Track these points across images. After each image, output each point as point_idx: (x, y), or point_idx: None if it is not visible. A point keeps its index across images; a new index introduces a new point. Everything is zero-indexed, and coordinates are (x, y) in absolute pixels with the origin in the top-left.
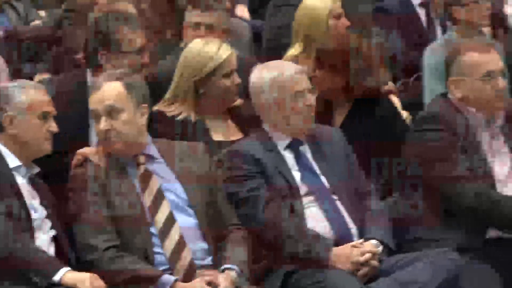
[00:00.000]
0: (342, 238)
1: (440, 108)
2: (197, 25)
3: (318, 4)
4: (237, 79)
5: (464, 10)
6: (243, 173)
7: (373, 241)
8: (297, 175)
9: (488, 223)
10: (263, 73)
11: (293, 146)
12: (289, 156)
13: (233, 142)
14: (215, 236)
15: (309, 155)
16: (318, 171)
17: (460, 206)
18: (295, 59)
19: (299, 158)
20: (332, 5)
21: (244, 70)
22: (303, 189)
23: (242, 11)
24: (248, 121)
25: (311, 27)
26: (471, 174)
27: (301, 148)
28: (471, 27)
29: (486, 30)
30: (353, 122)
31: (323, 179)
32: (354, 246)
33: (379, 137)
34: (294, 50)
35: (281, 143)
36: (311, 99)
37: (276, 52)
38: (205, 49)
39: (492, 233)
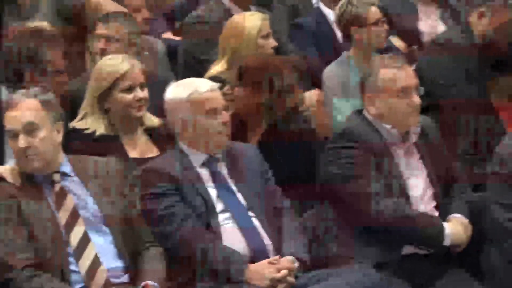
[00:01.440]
0: (258, 255)
1: (354, 125)
2: (98, 36)
3: (248, 23)
4: (140, 94)
5: (362, 31)
6: (159, 191)
7: (289, 257)
8: (213, 192)
9: (403, 239)
10: (177, 91)
11: (209, 163)
12: (205, 173)
13: (149, 159)
14: (131, 253)
15: (225, 172)
16: (234, 188)
17: (375, 222)
18: (220, 76)
19: (215, 175)
20: (261, 25)
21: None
22: (219, 206)
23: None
24: (166, 138)
25: (239, 45)
26: (387, 191)
27: (217, 165)
28: (367, 49)
29: (401, 46)
30: (269, 140)
31: (239, 196)
32: (270, 263)
33: (295, 155)
34: (219, 67)
35: (197, 160)
36: (226, 116)
37: (192, 69)
38: (106, 63)
39: (408, 249)
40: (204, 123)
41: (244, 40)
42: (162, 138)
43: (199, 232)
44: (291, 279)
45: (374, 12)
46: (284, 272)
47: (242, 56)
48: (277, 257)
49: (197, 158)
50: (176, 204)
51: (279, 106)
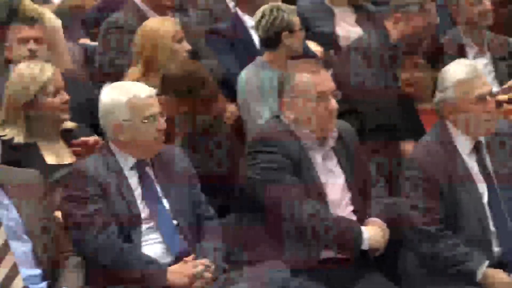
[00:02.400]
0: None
1: (272, 129)
2: (23, 40)
3: (161, 28)
4: (65, 96)
5: (292, 37)
6: (82, 195)
7: (205, 259)
8: (139, 197)
9: (322, 243)
10: (115, 94)
11: (138, 168)
12: (133, 178)
13: (66, 165)
14: (52, 261)
15: (152, 175)
16: (160, 194)
17: (294, 226)
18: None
19: (143, 178)
20: (174, 29)
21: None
22: (144, 212)
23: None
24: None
25: (154, 50)
26: (305, 195)
27: (145, 168)
28: (289, 54)
29: (318, 51)
30: (190, 147)
31: (165, 201)
32: (186, 261)
33: (216, 161)
34: (135, 72)
35: (126, 164)
36: (163, 123)
37: (109, 74)
38: (28, 71)
39: (326, 253)
40: (141, 128)
41: (158, 45)
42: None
43: (116, 242)
44: (208, 274)
45: (298, 18)
46: (200, 267)
47: (158, 62)
48: (192, 255)
49: (126, 161)
50: (96, 212)
51: (203, 113)
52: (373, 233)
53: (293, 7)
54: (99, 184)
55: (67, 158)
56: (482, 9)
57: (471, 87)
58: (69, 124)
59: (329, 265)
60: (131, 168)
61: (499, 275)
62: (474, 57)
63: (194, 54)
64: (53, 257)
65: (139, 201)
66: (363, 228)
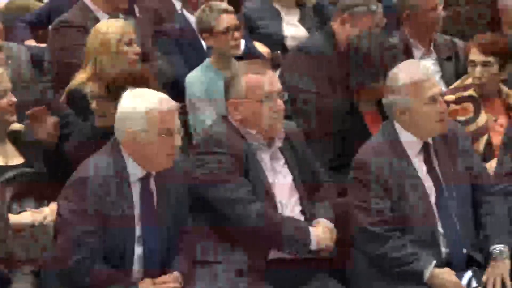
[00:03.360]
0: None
1: (219, 130)
2: None
3: (110, 29)
4: (12, 98)
5: (213, 39)
6: (79, 208)
7: (175, 273)
8: (137, 215)
9: (270, 244)
10: (136, 102)
11: (143, 179)
12: (135, 191)
13: (14, 166)
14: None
15: (154, 190)
16: (155, 207)
17: (242, 227)
18: (81, 88)
19: (145, 193)
20: (123, 31)
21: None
22: (137, 231)
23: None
24: (29, 145)
25: (101, 52)
26: (253, 196)
27: (149, 181)
28: (222, 56)
29: (264, 52)
30: None
31: (157, 217)
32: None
33: None
34: (83, 75)
35: (134, 175)
36: (179, 139)
37: (59, 74)
38: None
39: (274, 253)
40: (155, 142)
41: (105, 47)
42: (25, 144)
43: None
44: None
45: (224, 19)
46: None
47: (104, 64)
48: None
49: (135, 172)
50: (90, 235)
51: None
52: (321, 233)
53: (225, 6)
54: (99, 197)
55: (15, 159)
56: (435, 15)
57: (423, 88)
58: (17, 126)
59: (278, 266)
60: (137, 180)
61: (447, 275)
62: (421, 58)
63: (143, 56)
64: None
65: (136, 219)
66: (311, 228)
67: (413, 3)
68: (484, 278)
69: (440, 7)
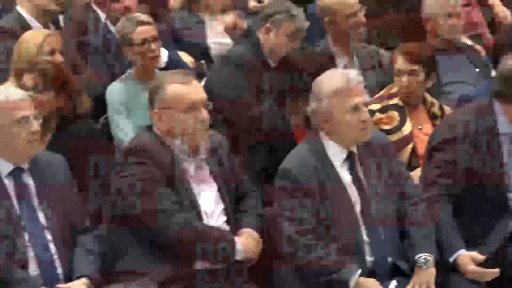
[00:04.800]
0: (49, 280)
1: (144, 141)
2: None
3: (30, 40)
4: None
5: (131, 51)
6: None
7: (83, 279)
8: (17, 207)
9: (195, 254)
10: None
11: (15, 174)
12: (10, 186)
13: None
14: None
15: (31, 184)
16: (36, 204)
17: (166, 238)
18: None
19: (20, 188)
20: (43, 41)
21: None
22: (22, 224)
23: None
24: None
25: (22, 61)
26: (177, 206)
27: (23, 176)
28: (143, 67)
29: (190, 62)
30: (56, 145)
31: (41, 214)
32: None
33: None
34: (9, 82)
35: (3, 170)
36: (36, 125)
37: None
38: None
39: (200, 264)
40: (12, 131)
41: (26, 56)
42: None
43: None
44: None
45: (141, 31)
46: None
47: (24, 73)
48: (69, 284)
49: (3, 167)
50: None
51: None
52: (246, 243)
53: (142, 18)
54: None
55: None
56: (355, 21)
57: (346, 97)
58: None
59: (203, 276)
60: (8, 175)
61: (371, 284)
62: (344, 67)
63: (72, 68)
64: None
65: (15, 215)
66: (236, 238)
67: (332, 9)
68: (409, 287)
69: (361, 15)
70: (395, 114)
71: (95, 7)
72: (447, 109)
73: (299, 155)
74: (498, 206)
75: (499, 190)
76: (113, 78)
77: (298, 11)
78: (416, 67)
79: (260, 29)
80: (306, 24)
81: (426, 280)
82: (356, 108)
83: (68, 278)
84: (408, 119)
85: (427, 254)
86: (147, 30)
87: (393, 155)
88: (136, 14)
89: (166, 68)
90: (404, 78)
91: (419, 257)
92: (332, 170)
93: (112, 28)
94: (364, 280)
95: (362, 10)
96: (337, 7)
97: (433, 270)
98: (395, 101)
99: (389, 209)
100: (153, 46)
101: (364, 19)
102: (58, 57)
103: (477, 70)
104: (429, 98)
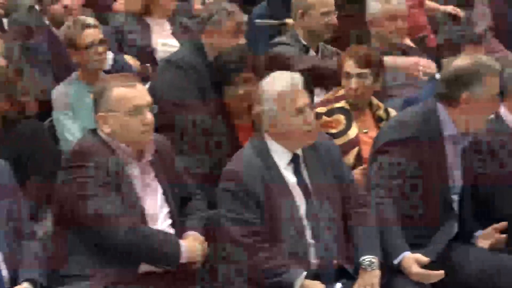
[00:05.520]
0: None
1: (88, 144)
2: None
3: None
4: None
5: (77, 54)
6: None
7: (25, 284)
8: None
9: (140, 257)
10: None
11: None
12: None
13: None
14: None
15: None
16: None
17: (111, 242)
18: None
19: None
20: None
21: None
22: None
23: None
24: None
25: None
26: (122, 210)
27: None
28: (88, 70)
29: (135, 65)
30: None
31: None
32: None
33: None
34: None
35: None
36: None
37: None
38: None
39: (145, 267)
40: None
41: None
42: None
43: None
44: None
45: (87, 34)
46: None
47: None
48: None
49: None
50: None
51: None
52: (191, 246)
53: (88, 21)
54: None
55: None
56: (328, 21)
57: (291, 99)
58: None
59: (148, 279)
60: None
61: (316, 286)
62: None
63: (15, 72)
64: None
65: None
66: (181, 241)
67: (309, 3)
68: None
69: (334, 16)
70: (341, 117)
71: (38, 10)
72: (393, 112)
73: (244, 157)
74: (442, 208)
75: (443, 192)
76: (58, 80)
77: (234, 7)
78: (365, 70)
79: (203, 32)
80: (245, 17)
81: (370, 282)
82: (301, 110)
83: (14, 282)
84: (354, 123)
85: (371, 256)
86: (94, 33)
87: (338, 158)
88: (82, 17)
89: (111, 71)
90: (353, 81)
91: (364, 259)
92: (277, 172)
93: (56, 31)
94: (309, 282)
95: (335, 12)
96: (314, 2)
97: (377, 272)
98: (341, 104)
99: (334, 211)
100: (99, 49)
101: (336, 21)
102: (1, 61)
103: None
104: (375, 101)
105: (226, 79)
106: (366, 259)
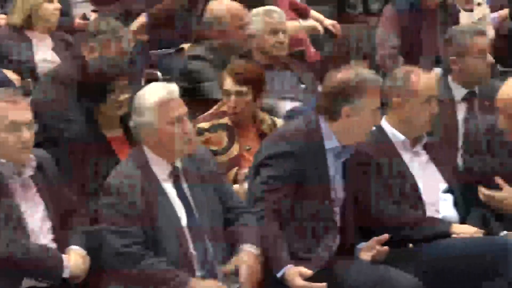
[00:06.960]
0: None
1: None
2: None
3: None
4: None
5: None
6: None
7: None
8: None
9: (22, 272)
10: None
11: None
12: None
13: None
14: None
15: None
16: None
17: None
18: None
19: None
20: None
21: None
22: None
23: None
24: None
25: None
26: (3, 224)
27: None
28: None
29: (16, 80)
30: None
31: None
32: None
33: None
34: None
35: None
36: None
37: None
38: None
39: (28, 282)
40: None
41: None
42: None
43: None
44: None
45: None
46: None
47: None
48: None
49: None
50: None
51: None
52: (73, 261)
53: None
54: None
55: None
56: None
57: (168, 109)
58: None
59: None
60: None
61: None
62: None
63: None
64: None
65: None
66: (63, 256)
67: (225, 18)
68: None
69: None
70: (223, 135)
71: None
72: (280, 124)
73: (124, 170)
74: (325, 221)
75: (325, 204)
76: None
77: (124, 32)
78: (244, 88)
79: (85, 47)
80: (132, 44)
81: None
82: (178, 120)
83: None
84: (236, 140)
85: (249, 245)
86: None
87: (217, 170)
88: None
89: None
90: (232, 99)
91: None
92: (157, 185)
93: None
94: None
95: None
96: (229, 16)
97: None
98: (224, 120)
99: (215, 222)
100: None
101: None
102: None
103: (303, 86)
104: (260, 115)
105: (103, 86)
106: (246, 247)
